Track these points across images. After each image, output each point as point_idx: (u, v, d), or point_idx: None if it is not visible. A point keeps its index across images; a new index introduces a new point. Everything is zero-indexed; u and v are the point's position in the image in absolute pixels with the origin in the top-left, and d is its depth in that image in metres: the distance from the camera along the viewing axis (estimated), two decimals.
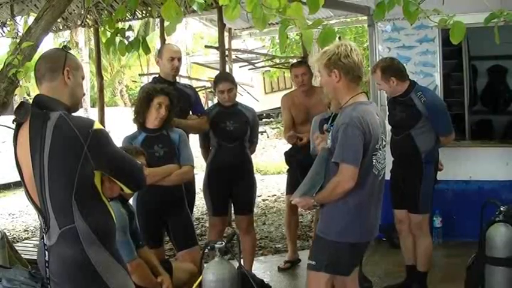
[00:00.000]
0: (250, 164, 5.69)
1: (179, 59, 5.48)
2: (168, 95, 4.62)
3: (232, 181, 5.49)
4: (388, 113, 5.31)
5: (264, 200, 10.31)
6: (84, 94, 3.10)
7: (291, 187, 6.18)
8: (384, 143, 3.69)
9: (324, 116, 5.49)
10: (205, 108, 6.09)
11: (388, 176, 4.98)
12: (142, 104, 4.57)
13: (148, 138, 4.57)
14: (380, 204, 3.79)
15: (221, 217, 5.66)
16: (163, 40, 8.92)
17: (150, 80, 6.17)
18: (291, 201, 6.18)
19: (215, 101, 5.91)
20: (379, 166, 3.64)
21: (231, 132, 5.45)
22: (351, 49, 3.58)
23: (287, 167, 6.36)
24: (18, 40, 4.48)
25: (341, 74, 3.58)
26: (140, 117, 4.60)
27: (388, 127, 5.19)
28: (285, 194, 6.84)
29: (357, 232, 3.65)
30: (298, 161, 5.92)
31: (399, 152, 5.15)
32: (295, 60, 11.42)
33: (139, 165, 3.03)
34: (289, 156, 6.25)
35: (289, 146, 6.30)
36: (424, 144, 5.00)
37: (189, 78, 15.20)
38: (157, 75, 5.61)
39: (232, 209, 6.05)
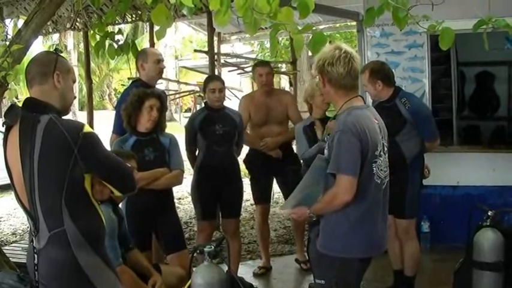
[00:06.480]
0: (238, 168, 5.68)
1: (163, 61, 5.37)
2: (158, 98, 4.62)
3: (222, 185, 5.46)
4: None
5: (252, 204, 10.27)
6: (74, 97, 3.10)
7: (261, 195, 6.25)
8: (385, 148, 3.41)
9: (305, 123, 5.50)
10: (193, 112, 6.04)
11: None
12: (134, 108, 4.55)
13: (138, 141, 4.57)
14: (386, 214, 3.49)
15: (210, 221, 5.60)
16: (152, 44, 8.93)
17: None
18: (264, 211, 6.19)
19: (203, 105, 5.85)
20: (382, 174, 3.35)
21: (221, 135, 5.41)
22: (339, 57, 3.29)
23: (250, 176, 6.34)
24: (7, 43, 4.47)
25: (325, 80, 3.38)
26: (132, 121, 4.58)
27: None
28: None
29: (363, 247, 3.37)
30: (259, 165, 6.05)
31: None
32: (284, 65, 11.47)
33: (130, 168, 3.03)
34: (248, 163, 6.27)
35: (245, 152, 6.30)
36: (409, 150, 4.98)
37: (178, 82, 15.20)
38: (136, 80, 5.38)
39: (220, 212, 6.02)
